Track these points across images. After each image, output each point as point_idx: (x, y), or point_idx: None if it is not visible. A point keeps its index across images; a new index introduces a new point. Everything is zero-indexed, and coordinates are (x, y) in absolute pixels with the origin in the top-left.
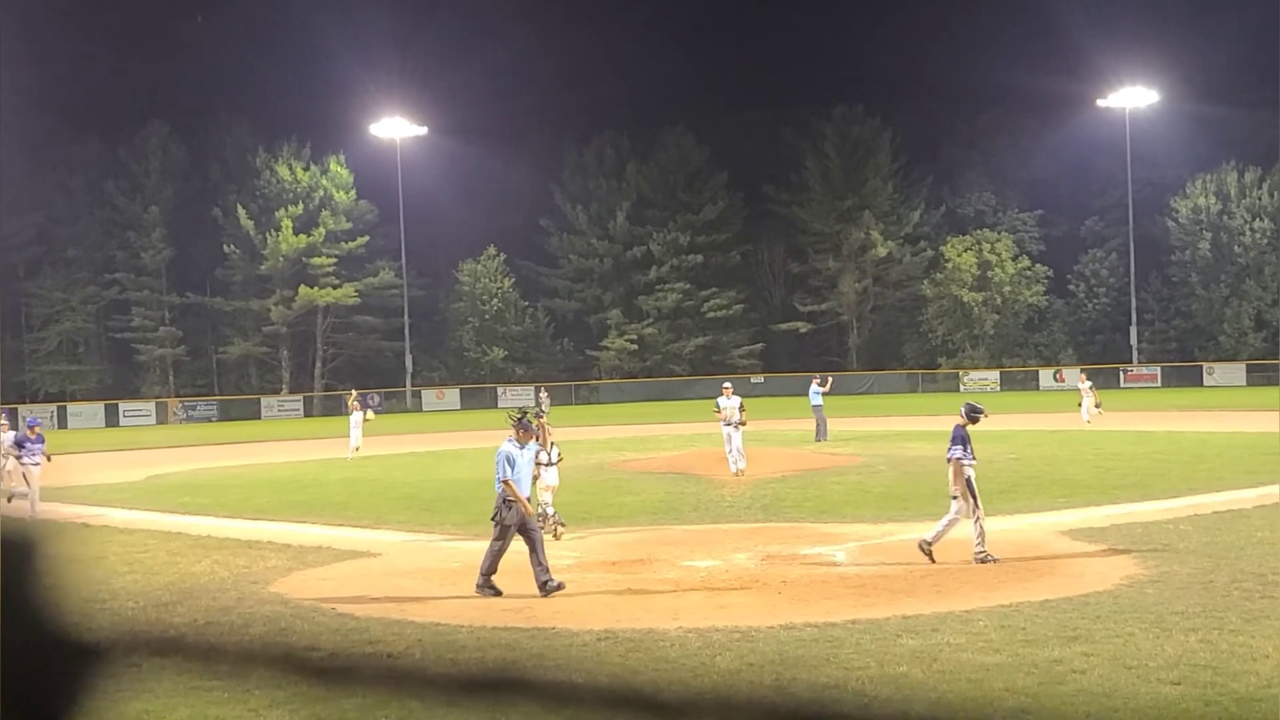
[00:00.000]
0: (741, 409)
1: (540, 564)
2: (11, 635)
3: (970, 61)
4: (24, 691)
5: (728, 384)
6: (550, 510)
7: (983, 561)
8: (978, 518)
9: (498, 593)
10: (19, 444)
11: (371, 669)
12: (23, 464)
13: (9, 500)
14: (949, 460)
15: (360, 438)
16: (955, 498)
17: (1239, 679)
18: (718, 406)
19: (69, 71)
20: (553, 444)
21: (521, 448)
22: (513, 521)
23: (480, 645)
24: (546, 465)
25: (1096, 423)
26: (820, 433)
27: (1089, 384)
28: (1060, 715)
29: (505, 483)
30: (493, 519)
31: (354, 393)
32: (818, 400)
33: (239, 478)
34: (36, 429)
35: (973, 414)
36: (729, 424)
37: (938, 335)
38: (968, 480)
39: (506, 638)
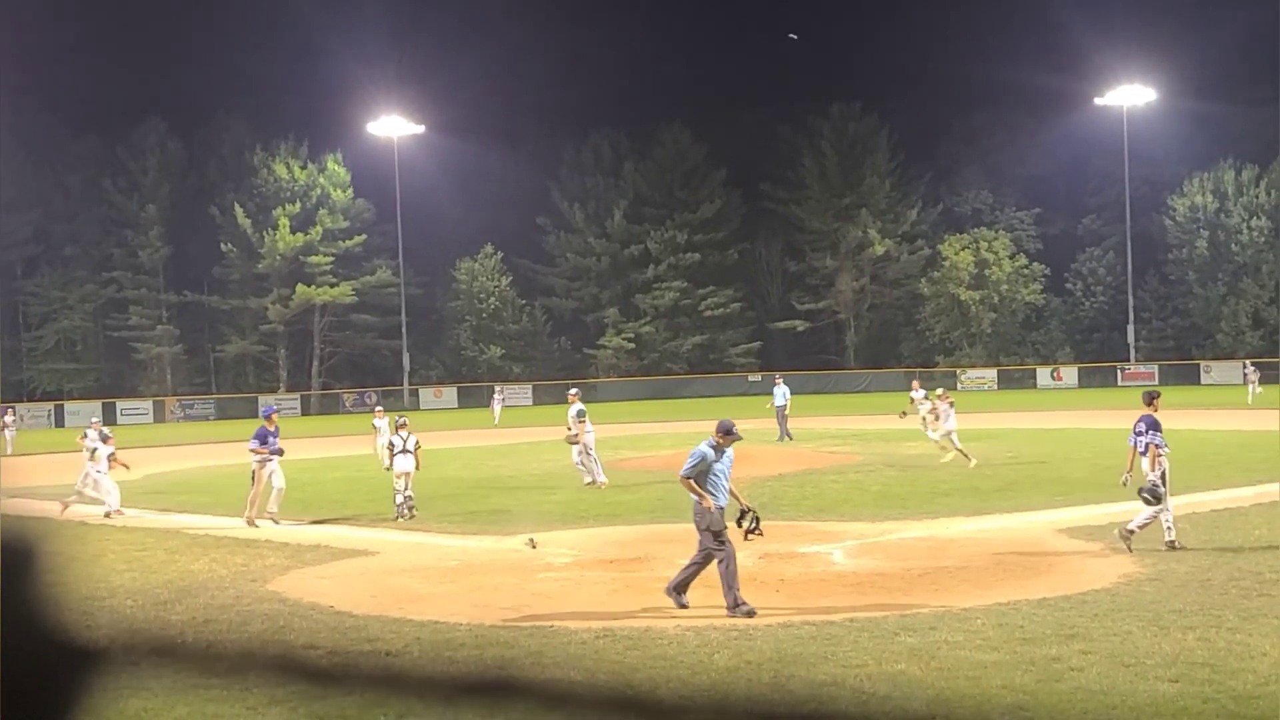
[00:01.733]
0: (581, 418)
1: (728, 585)
2: (12, 637)
3: (968, 59)
4: (25, 693)
5: (574, 390)
6: (399, 497)
7: (1173, 548)
8: (1167, 508)
9: (684, 605)
10: (260, 438)
11: (370, 667)
12: (270, 458)
13: (251, 523)
14: (1153, 447)
15: (385, 452)
16: (1155, 486)
17: (1236, 676)
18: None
19: (67, 70)
20: (411, 434)
21: (718, 451)
22: (717, 527)
23: (478, 643)
24: (400, 452)
25: (931, 426)
26: (783, 432)
27: (923, 393)
28: (1058, 712)
29: (682, 479)
30: (697, 524)
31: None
32: (782, 400)
33: (236, 476)
34: (274, 418)
35: (1152, 398)
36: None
37: (935, 334)
38: (1163, 470)
39: (504, 635)
